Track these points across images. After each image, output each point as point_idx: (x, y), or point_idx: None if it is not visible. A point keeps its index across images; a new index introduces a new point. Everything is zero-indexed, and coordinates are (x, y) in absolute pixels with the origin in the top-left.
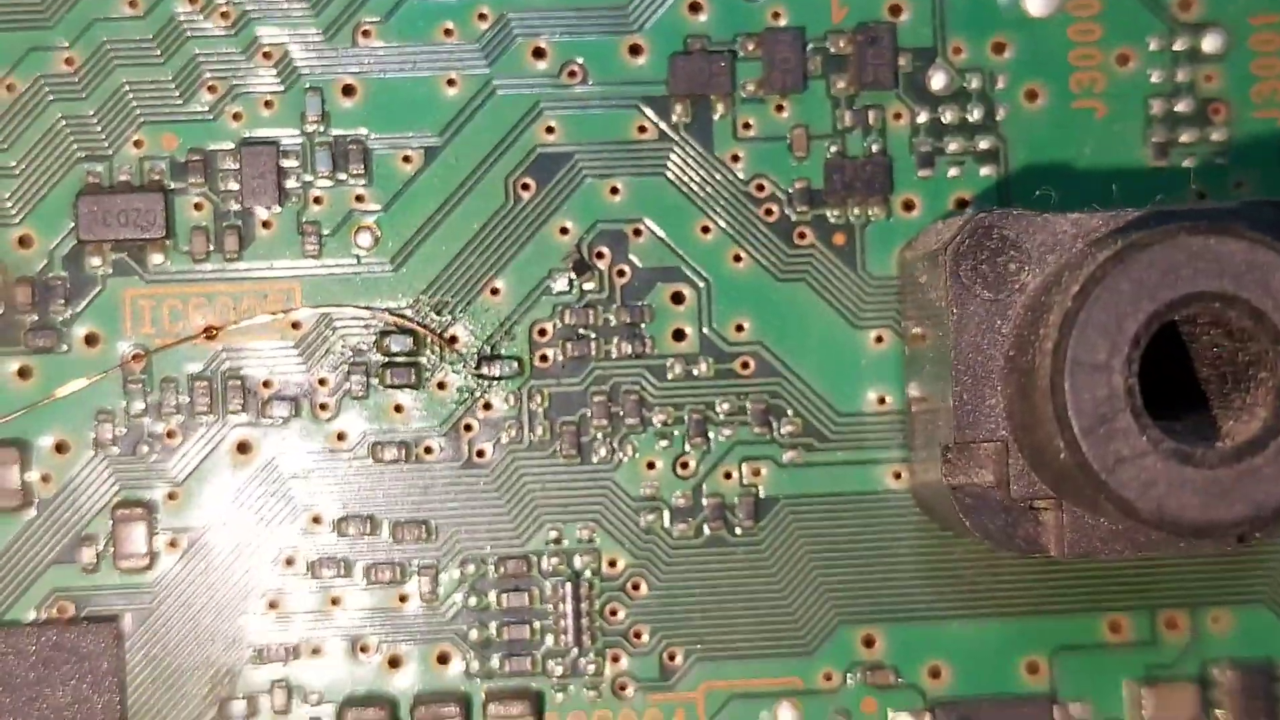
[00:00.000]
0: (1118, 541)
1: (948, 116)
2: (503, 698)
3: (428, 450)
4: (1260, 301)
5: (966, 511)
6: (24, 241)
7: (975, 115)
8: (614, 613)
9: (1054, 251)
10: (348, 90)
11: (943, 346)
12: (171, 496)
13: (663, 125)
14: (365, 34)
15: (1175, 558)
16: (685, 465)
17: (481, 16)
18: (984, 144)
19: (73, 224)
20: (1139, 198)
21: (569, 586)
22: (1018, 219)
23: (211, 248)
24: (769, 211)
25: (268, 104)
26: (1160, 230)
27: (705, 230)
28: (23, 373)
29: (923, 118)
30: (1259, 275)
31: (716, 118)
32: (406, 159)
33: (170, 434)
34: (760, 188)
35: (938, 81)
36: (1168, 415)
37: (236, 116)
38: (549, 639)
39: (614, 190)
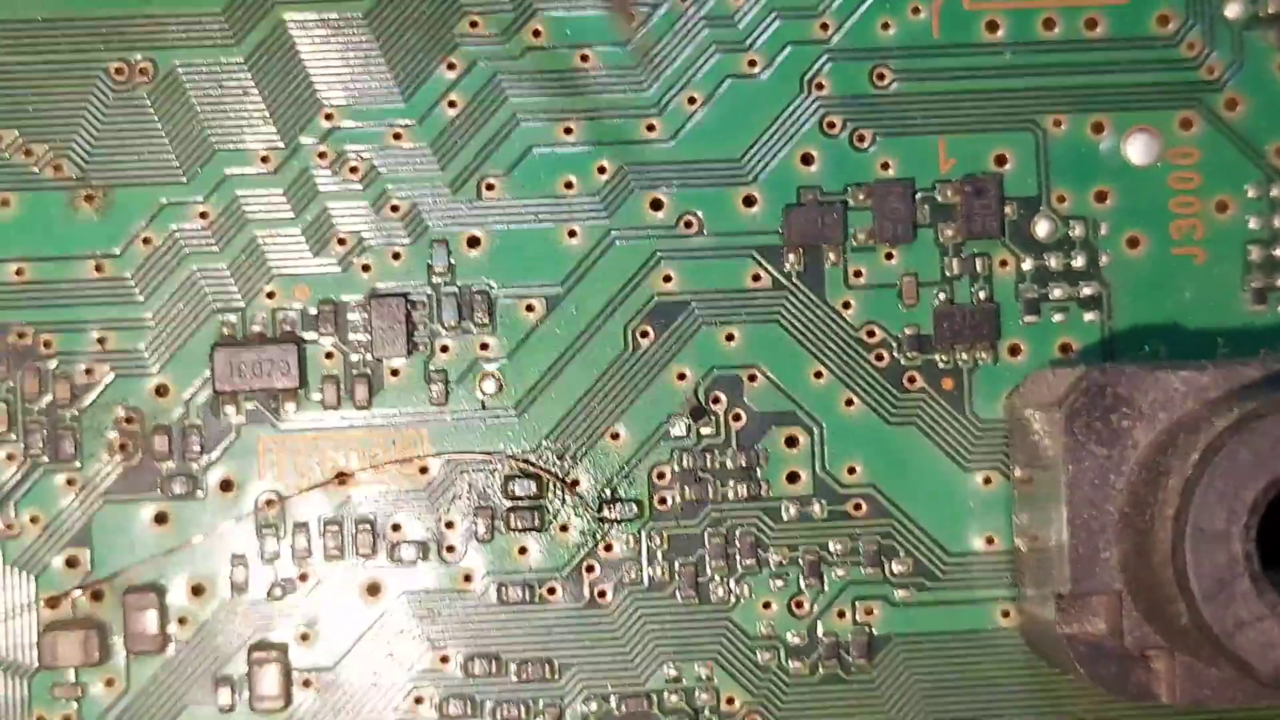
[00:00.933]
0: (1229, 689)
1: (1052, 264)
2: None
3: (551, 591)
4: None
5: (1081, 660)
6: (161, 391)
7: (1079, 262)
8: None
9: (1166, 409)
10: (473, 241)
11: (1050, 492)
12: (304, 638)
13: (776, 274)
14: (489, 187)
15: None
16: (800, 605)
17: (601, 170)
18: (1087, 290)
19: (209, 373)
20: (1240, 343)
21: None
22: (1130, 377)
23: (342, 395)
24: (880, 357)
25: (396, 256)
26: (1275, 400)
27: (818, 375)
28: (159, 518)
29: (1028, 265)
30: None
31: (828, 266)
32: (529, 308)
33: (303, 577)
34: (871, 334)
35: (1042, 229)
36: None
37: (366, 268)
38: None
39: (729, 337)
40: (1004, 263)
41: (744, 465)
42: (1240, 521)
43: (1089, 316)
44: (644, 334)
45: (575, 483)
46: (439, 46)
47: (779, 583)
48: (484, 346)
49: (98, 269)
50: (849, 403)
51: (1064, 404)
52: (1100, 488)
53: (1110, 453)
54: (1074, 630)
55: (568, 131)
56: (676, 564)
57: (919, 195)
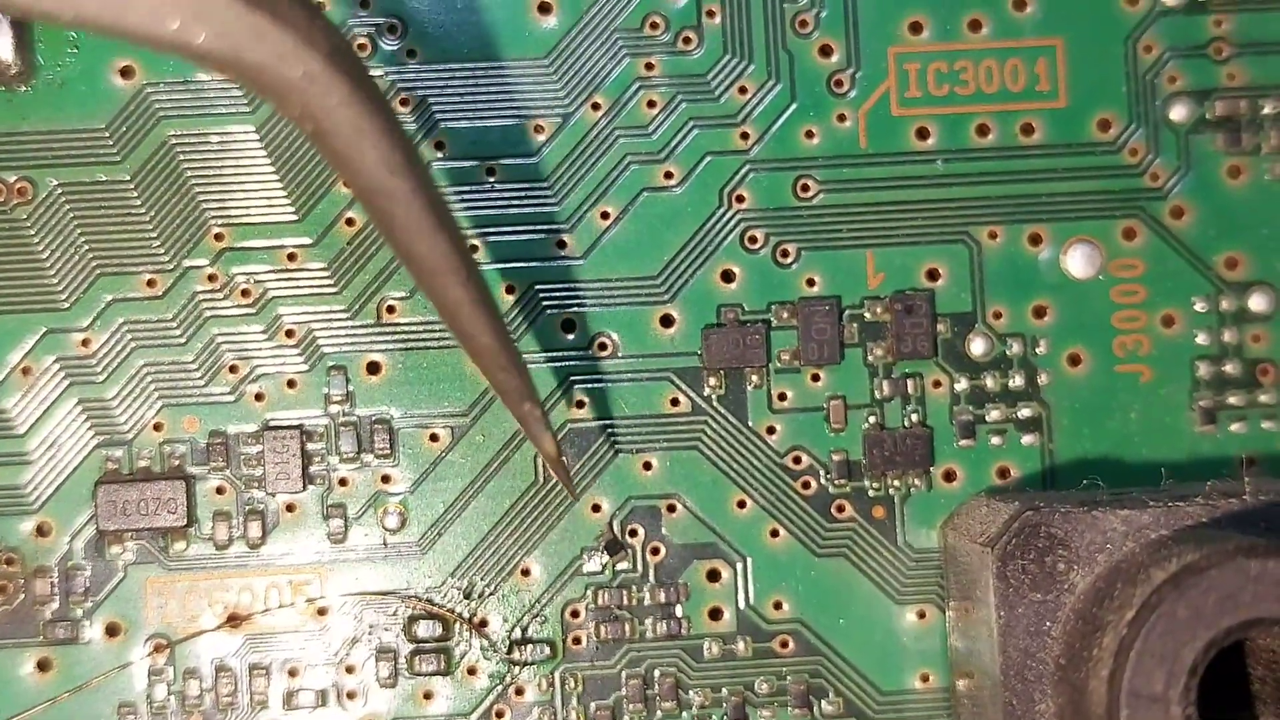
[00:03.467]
0: None
1: (989, 384)
2: None
3: None
4: None
5: None
6: (42, 530)
7: (1017, 382)
8: None
9: (1104, 550)
10: (373, 367)
11: (985, 631)
12: None
13: (696, 398)
14: (390, 309)
15: None
16: None
17: (509, 289)
18: (1026, 411)
19: (92, 512)
20: (1189, 467)
21: None
22: (1066, 517)
23: (235, 534)
24: (806, 484)
25: (291, 384)
26: (1216, 551)
27: (741, 505)
28: (42, 665)
29: (962, 385)
30: None
31: (751, 389)
32: (434, 437)
33: None
34: (797, 460)
35: (978, 348)
36: (1221, 712)
37: (259, 397)
38: None
39: (647, 465)
40: (937, 383)
41: (663, 601)
42: (1179, 684)
43: (1028, 439)
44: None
45: (483, 623)
46: None
47: None
48: (385, 479)
49: None
50: (774, 533)
51: (996, 546)
52: (1036, 636)
53: (1046, 598)
54: None
55: (474, 249)
56: (592, 707)
57: (846, 313)
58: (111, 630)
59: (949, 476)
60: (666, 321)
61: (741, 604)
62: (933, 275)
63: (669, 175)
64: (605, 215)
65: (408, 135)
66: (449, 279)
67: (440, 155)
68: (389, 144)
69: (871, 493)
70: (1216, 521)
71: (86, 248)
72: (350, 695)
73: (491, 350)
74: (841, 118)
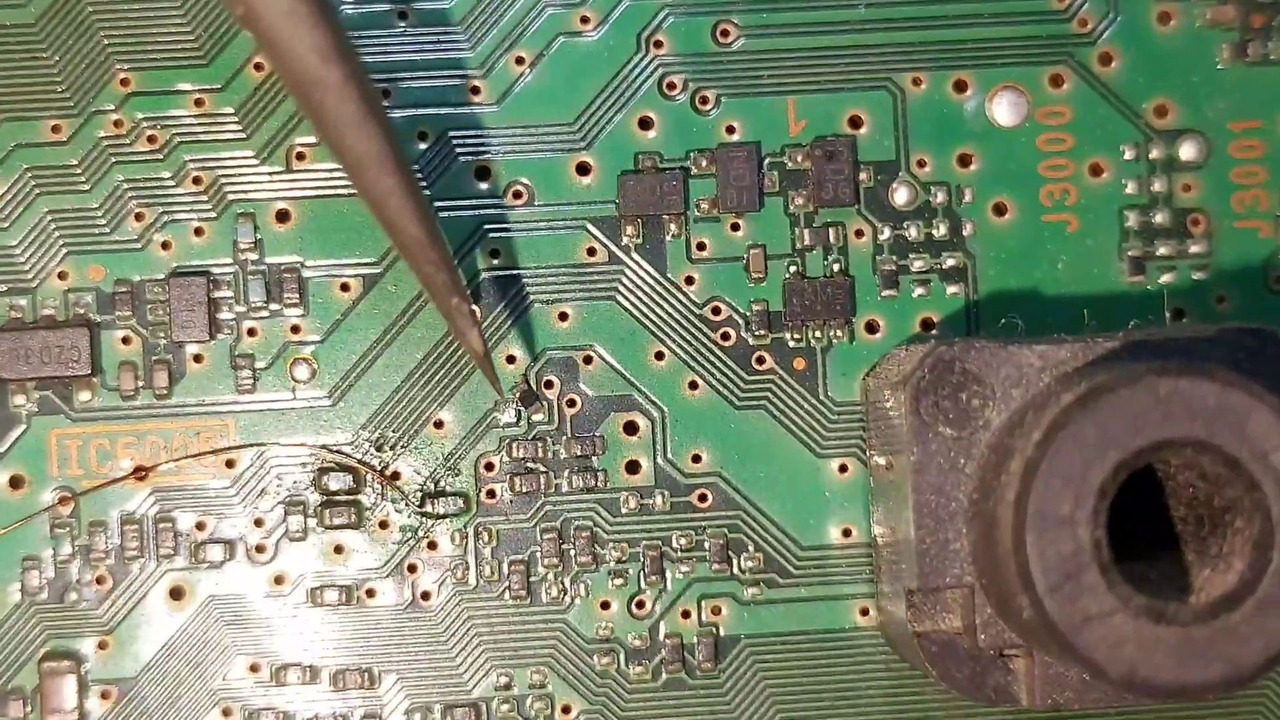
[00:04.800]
0: (1093, 692)
1: (912, 233)
2: None
3: (370, 593)
4: (1234, 448)
5: (933, 660)
6: None
7: (941, 231)
8: None
9: (1020, 386)
10: (282, 215)
11: (904, 471)
12: (102, 646)
13: (613, 247)
14: (300, 156)
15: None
16: (641, 605)
17: (422, 135)
18: (950, 261)
19: None
20: (1116, 318)
21: None
22: (980, 352)
23: (141, 384)
24: (726, 336)
25: (198, 231)
26: (1127, 372)
27: (659, 356)
28: None
29: (885, 235)
30: (1232, 420)
31: (669, 238)
32: (344, 287)
33: (100, 580)
34: (716, 311)
35: (901, 197)
36: (1141, 556)
37: (166, 245)
38: None
39: (563, 316)
40: (859, 233)
41: (579, 454)
42: (1087, 506)
43: (952, 290)
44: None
45: (395, 475)
46: None
47: (618, 581)
48: (295, 329)
49: None
50: (693, 385)
51: (909, 381)
52: (949, 473)
53: (960, 434)
54: (926, 628)
55: (385, 95)
56: (506, 562)
57: (766, 161)
58: (15, 482)
59: (871, 328)
60: (582, 169)
61: (659, 457)
62: (855, 123)
63: (585, 20)
64: (520, 61)
65: (340, 21)
66: (378, 170)
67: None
68: (322, 30)
69: (792, 344)
70: (1135, 355)
71: None
72: (259, 549)
73: (419, 243)
74: None
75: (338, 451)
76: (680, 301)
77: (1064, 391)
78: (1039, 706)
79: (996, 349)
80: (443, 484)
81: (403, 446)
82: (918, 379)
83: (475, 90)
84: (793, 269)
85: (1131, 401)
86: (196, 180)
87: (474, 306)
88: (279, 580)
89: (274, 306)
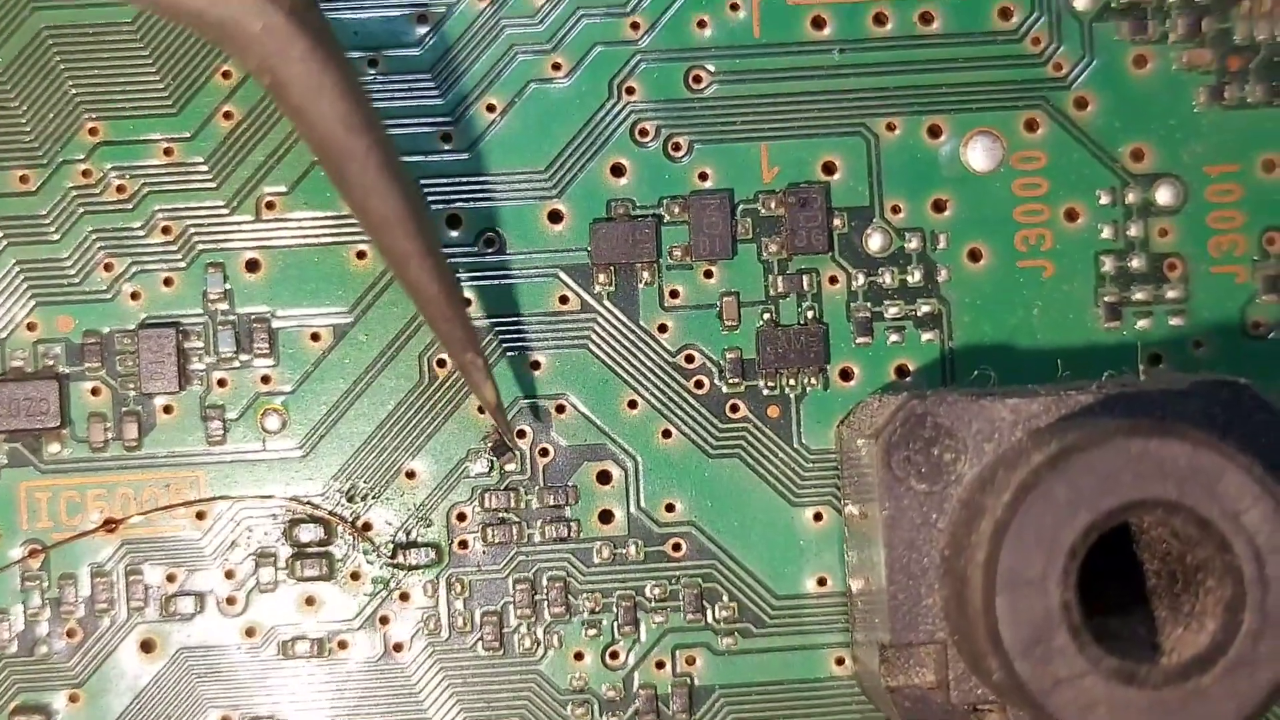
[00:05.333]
0: None
1: (886, 280)
2: None
3: (342, 645)
4: (1206, 509)
5: (906, 715)
6: None
7: (915, 278)
8: None
9: (992, 440)
10: (252, 265)
11: (876, 525)
12: (73, 699)
13: (585, 295)
14: (270, 205)
15: None
16: (615, 655)
17: None
18: (925, 308)
19: None
20: (1090, 364)
21: None
22: (952, 405)
23: (110, 435)
24: (699, 384)
25: (168, 282)
26: (1098, 431)
27: (632, 405)
28: None
29: (860, 281)
30: (1203, 480)
31: (641, 286)
32: (315, 336)
33: (70, 633)
34: (689, 359)
35: (875, 243)
36: (1114, 608)
37: (135, 295)
38: None
39: (535, 365)
40: (833, 279)
41: (552, 504)
42: (1058, 568)
43: (927, 336)
44: (441, 363)
45: (367, 526)
46: (213, 54)
47: (591, 631)
48: (265, 379)
49: None
50: (666, 434)
51: (881, 436)
52: (922, 528)
53: (932, 489)
54: (899, 683)
55: None
56: (479, 613)
57: (739, 208)
58: None
59: (846, 375)
60: (555, 217)
61: (633, 506)
62: (829, 169)
63: (557, 66)
64: (491, 108)
65: (365, 92)
66: (399, 232)
67: None
68: (347, 101)
69: (766, 392)
70: (1108, 409)
71: None
72: (230, 601)
73: (437, 300)
74: (734, 6)
75: (308, 503)
76: (653, 349)
77: (1035, 450)
78: None
79: (968, 402)
80: (415, 535)
81: (374, 497)
82: (889, 433)
83: (446, 138)
84: (766, 316)
85: (1102, 462)
86: (165, 230)
87: (486, 360)
88: (250, 632)
89: (244, 357)
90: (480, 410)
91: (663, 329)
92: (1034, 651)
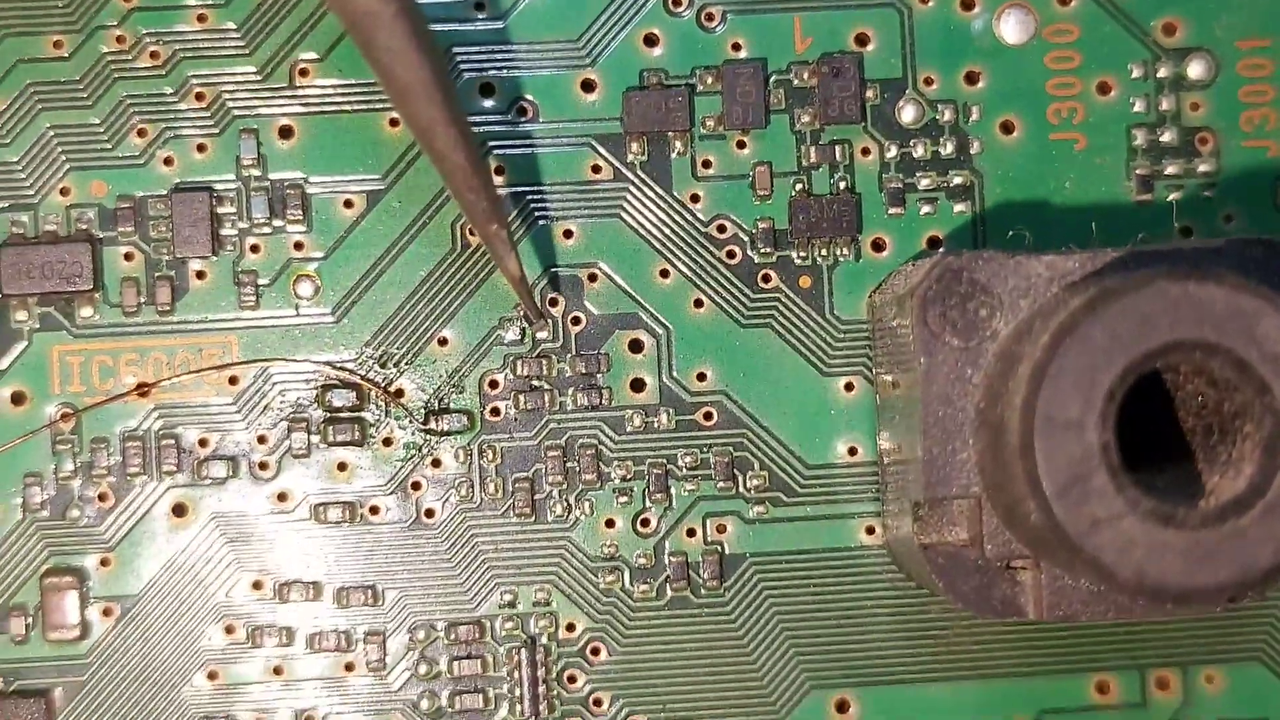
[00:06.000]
0: (1100, 603)
1: (919, 151)
2: None
3: (373, 510)
4: (1244, 351)
5: (939, 572)
6: None
7: (948, 149)
8: (572, 679)
9: (1027, 296)
10: (285, 132)
11: (914, 395)
12: (104, 563)
13: (618, 164)
14: (303, 72)
15: (1163, 616)
16: (646, 523)
17: None
18: (957, 179)
19: None
20: (1122, 235)
21: (524, 652)
22: (988, 262)
23: (143, 300)
24: (731, 254)
25: (201, 148)
26: (1137, 276)
27: (664, 274)
28: None
29: (892, 153)
30: (1242, 323)
31: (674, 156)
32: (348, 203)
33: (102, 497)
34: (721, 229)
35: (908, 114)
36: (1148, 467)
37: (168, 161)
38: (504, 708)
39: (567, 233)
40: (866, 150)
41: (584, 372)
42: (1095, 409)
43: (959, 208)
44: (473, 231)
45: (399, 392)
46: None
47: (622, 499)
48: (298, 245)
49: None
50: (698, 303)
51: (916, 292)
52: (957, 384)
53: (967, 344)
54: (932, 540)
55: None
56: (510, 480)
57: (772, 78)
58: (17, 399)
59: (878, 246)
60: (588, 86)
61: (664, 375)
62: (862, 40)
63: None
64: None
65: None
66: (425, 100)
67: None
68: None
69: (798, 262)
70: (1141, 264)
71: None
72: (262, 466)
73: (463, 170)
74: None
75: (341, 368)
76: (685, 219)
77: (1073, 298)
78: (1046, 618)
79: (1004, 259)
80: (447, 401)
81: (407, 364)
82: (925, 289)
83: (479, 6)
84: (799, 187)
85: (1140, 305)
86: (199, 96)
87: (511, 232)
88: (282, 497)
89: (277, 223)
90: None
91: (695, 199)
92: (1071, 493)
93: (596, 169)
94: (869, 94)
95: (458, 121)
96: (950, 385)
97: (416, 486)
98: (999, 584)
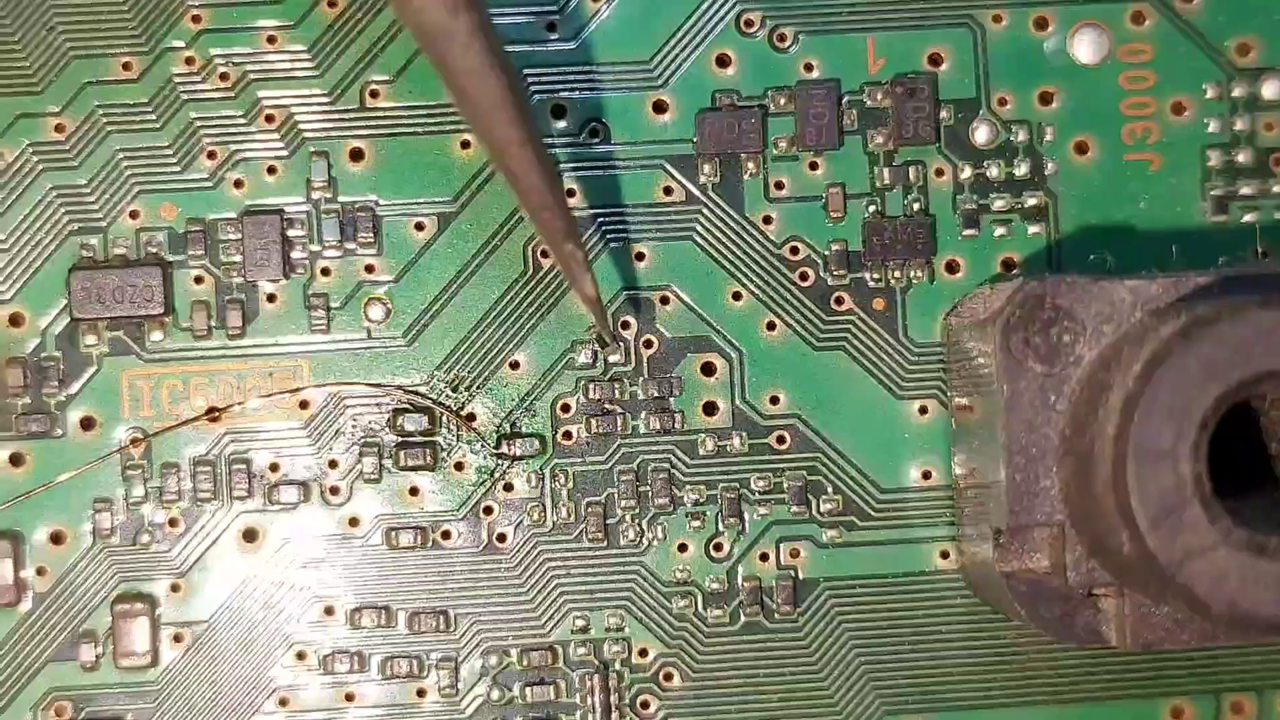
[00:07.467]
0: (1184, 631)
1: (993, 172)
2: None
3: (445, 535)
4: None
5: (1021, 600)
6: (15, 320)
7: (1022, 170)
8: (645, 705)
9: (1111, 321)
10: (356, 154)
11: (992, 419)
12: (175, 588)
13: (690, 186)
14: (374, 94)
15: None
16: (719, 547)
17: None
18: (1032, 201)
19: (66, 301)
20: (1199, 257)
21: (597, 678)
22: (1071, 287)
23: (213, 324)
24: (804, 276)
25: (271, 170)
26: (1228, 304)
27: (737, 297)
28: (15, 460)
29: (966, 174)
30: None
31: (747, 177)
32: (419, 226)
33: (173, 522)
34: (794, 251)
35: (982, 135)
36: (1234, 494)
37: (238, 184)
38: None
39: (639, 256)
40: (940, 171)
41: (656, 395)
42: (1189, 440)
43: (1033, 229)
44: (545, 253)
45: (471, 416)
46: None
47: (695, 523)
48: (369, 269)
49: None
50: (771, 326)
51: (999, 318)
52: (1040, 410)
53: (1051, 370)
54: (1014, 568)
55: None
56: (583, 504)
57: (846, 99)
58: (87, 423)
59: (951, 268)
60: (659, 108)
61: (737, 398)
62: (935, 60)
63: None
64: None
65: None
66: (499, 118)
67: None
68: None
69: (871, 284)
70: (1228, 290)
71: (60, 29)
72: (333, 491)
73: (537, 190)
74: None
75: (413, 392)
76: (758, 241)
77: (1162, 325)
78: (1130, 646)
79: (1087, 284)
80: (519, 425)
81: (478, 387)
82: (1008, 315)
83: (551, 27)
84: (872, 208)
85: (1234, 334)
86: (269, 119)
87: (586, 252)
88: (353, 522)
89: (348, 246)
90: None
91: (768, 220)
92: (1165, 524)
93: (668, 191)
94: (943, 114)
95: (533, 140)
96: (1033, 412)
97: (488, 511)
98: (1081, 611)
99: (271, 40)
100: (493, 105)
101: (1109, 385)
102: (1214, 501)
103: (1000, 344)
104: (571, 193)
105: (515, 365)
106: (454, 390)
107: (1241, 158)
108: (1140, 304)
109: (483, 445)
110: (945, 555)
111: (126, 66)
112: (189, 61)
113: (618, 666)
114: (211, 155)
